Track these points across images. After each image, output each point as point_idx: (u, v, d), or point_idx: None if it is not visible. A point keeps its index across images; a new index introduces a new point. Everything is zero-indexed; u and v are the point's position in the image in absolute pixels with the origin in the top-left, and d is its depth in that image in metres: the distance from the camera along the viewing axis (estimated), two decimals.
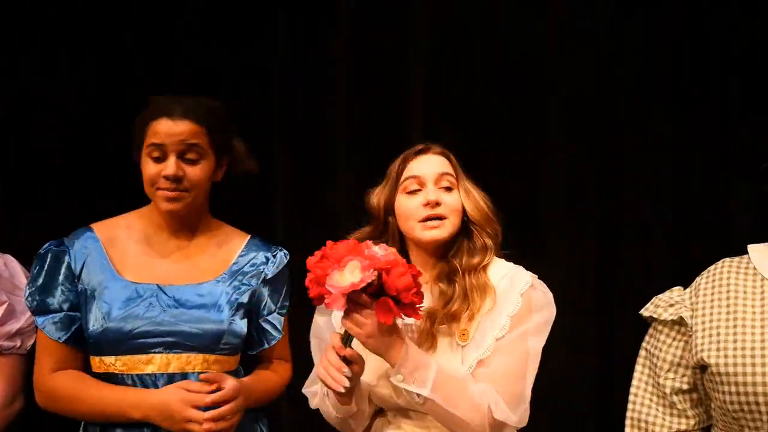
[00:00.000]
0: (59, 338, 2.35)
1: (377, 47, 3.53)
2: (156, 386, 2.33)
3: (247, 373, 2.51)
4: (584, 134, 3.41)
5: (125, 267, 2.41)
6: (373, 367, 2.29)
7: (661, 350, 2.16)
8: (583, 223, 3.42)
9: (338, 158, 3.57)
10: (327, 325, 2.44)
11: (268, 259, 2.51)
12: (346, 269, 2.09)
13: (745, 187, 3.24)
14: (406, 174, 2.30)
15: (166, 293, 2.38)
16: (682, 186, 3.36)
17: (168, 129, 2.36)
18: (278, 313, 2.51)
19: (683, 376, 2.13)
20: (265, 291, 2.50)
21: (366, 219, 2.45)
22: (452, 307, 2.27)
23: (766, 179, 2.14)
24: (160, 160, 2.37)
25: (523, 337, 2.27)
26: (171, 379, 2.34)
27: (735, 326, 2.05)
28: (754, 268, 2.11)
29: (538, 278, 2.37)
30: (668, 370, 2.14)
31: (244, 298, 2.45)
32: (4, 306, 2.63)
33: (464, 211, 2.34)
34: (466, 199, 2.35)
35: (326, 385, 2.20)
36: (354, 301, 2.13)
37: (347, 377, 2.15)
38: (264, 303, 2.50)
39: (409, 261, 2.28)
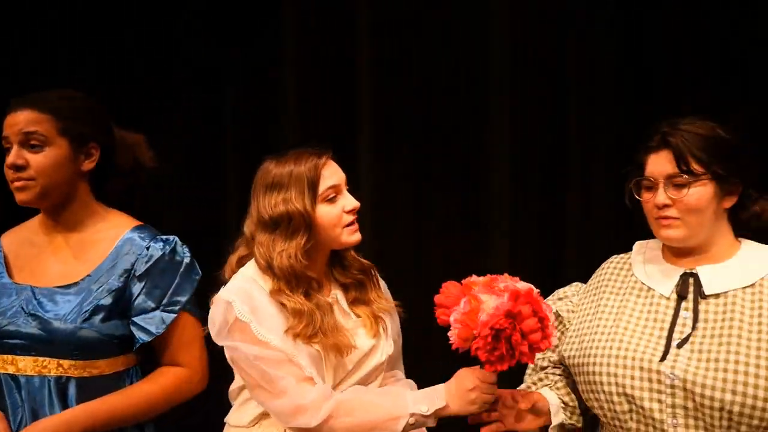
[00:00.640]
0: None
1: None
2: (30, 386, 2.35)
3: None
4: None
5: (15, 268, 2.45)
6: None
7: None
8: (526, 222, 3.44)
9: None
10: None
11: (141, 254, 2.43)
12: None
13: None
14: (324, 184, 2.29)
15: (35, 295, 2.39)
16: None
17: (10, 121, 2.40)
18: (164, 311, 2.42)
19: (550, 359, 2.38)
20: (137, 288, 2.42)
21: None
22: (368, 294, 2.41)
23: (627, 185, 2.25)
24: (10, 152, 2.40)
25: None
26: (42, 381, 2.35)
27: (592, 321, 2.23)
28: (630, 264, 2.30)
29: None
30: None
31: (106, 300, 2.39)
32: None
33: None
34: None
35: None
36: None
37: None
38: (134, 302, 2.42)
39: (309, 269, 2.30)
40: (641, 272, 2.26)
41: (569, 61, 3.40)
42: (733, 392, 2.02)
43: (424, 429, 2.32)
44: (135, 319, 2.41)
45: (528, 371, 2.43)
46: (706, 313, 2.14)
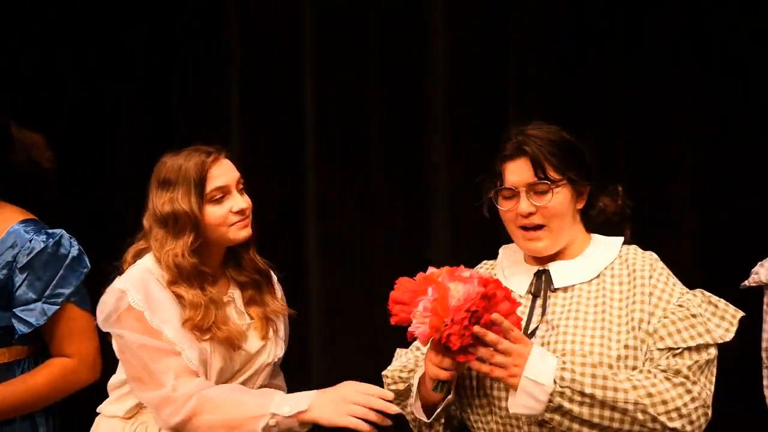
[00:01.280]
0: None
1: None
2: None
3: None
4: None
5: None
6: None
7: None
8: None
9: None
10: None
11: (23, 246, 2.42)
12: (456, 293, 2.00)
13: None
14: (211, 185, 2.31)
15: None
16: None
17: None
18: (46, 302, 2.42)
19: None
20: (19, 280, 2.42)
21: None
22: (263, 294, 2.44)
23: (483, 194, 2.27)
24: None
25: None
26: None
27: None
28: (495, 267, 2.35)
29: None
30: None
31: None
32: None
33: None
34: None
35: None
36: (479, 339, 2.02)
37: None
38: (15, 293, 2.42)
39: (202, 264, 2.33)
40: (501, 275, 2.28)
41: (510, 61, 3.42)
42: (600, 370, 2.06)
43: None
44: (16, 310, 2.41)
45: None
46: (554, 306, 2.19)
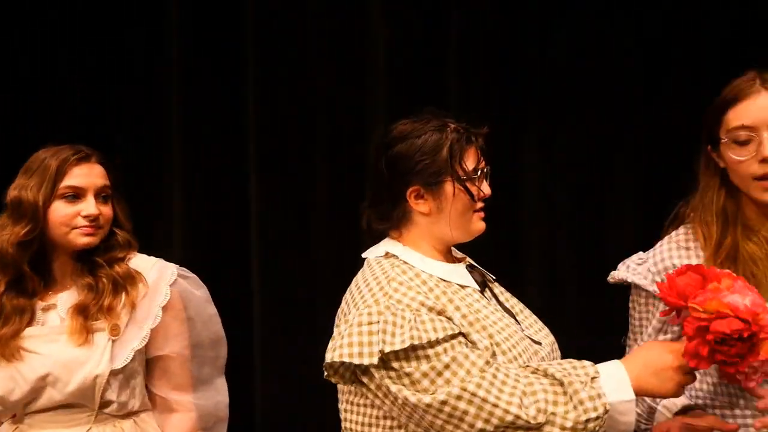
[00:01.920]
0: None
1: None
2: None
3: None
4: None
5: None
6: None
7: None
8: None
9: None
10: None
11: None
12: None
13: None
14: (66, 182, 2.28)
15: None
16: None
17: None
18: None
19: None
20: None
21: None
22: (104, 300, 2.28)
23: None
24: None
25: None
26: None
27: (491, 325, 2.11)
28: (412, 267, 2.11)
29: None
30: None
31: None
32: None
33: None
34: (117, 205, 2.38)
35: None
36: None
37: None
38: None
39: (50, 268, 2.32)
40: (442, 272, 2.09)
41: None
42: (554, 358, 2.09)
43: None
44: None
45: None
46: (503, 295, 2.16)
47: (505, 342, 1.98)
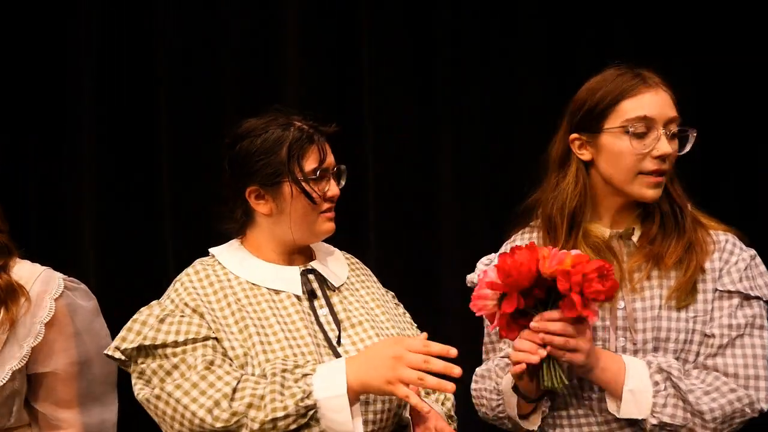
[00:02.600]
0: None
1: None
2: None
3: None
4: None
5: None
6: None
7: None
8: None
9: None
10: None
11: None
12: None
13: None
14: None
15: None
16: None
17: None
18: None
19: None
20: None
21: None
22: None
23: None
24: None
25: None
26: None
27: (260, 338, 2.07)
28: (223, 268, 2.10)
29: None
30: None
31: None
32: None
33: None
34: None
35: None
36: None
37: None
38: None
39: None
40: (257, 277, 2.08)
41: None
42: None
43: None
44: None
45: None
46: (342, 304, 2.10)
47: (275, 351, 1.95)
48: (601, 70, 2.13)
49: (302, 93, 3.36)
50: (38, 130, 3.35)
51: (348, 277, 2.17)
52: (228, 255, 2.10)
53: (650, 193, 2.06)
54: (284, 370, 1.91)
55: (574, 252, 1.92)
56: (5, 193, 2.54)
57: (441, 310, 3.40)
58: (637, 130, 2.04)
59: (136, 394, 1.97)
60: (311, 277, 2.10)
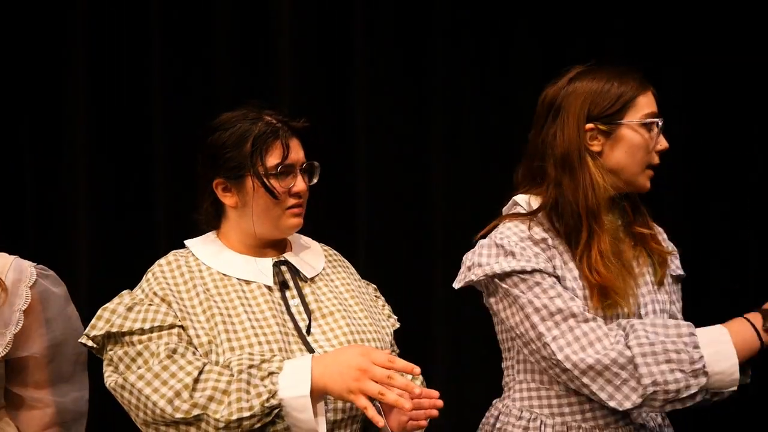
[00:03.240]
0: None
1: None
2: None
3: None
4: None
5: None
6: None
7: None
8: None
9: None
10: None
11: None
12: None
13: None
14: None
15: None
16: None
17: None
18: None
19: None
20: None
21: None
22: None
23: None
24: None
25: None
26: None
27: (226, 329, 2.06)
28: (196, 259, 2.13)
29: None
30: None
31: None
32: None
33: None
34: None
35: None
36: None
37: None
38: None
39: None
40: (229, 267, 2.11)
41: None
42: None
43: None
44: None
45: None
46: (314, 295, 2.12)
47: (240, 340, 1.98)
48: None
49: (295, 95, 3.37)
50: (32, 124, 3.34)
51: (324, 269, 2.19)
52: (202, 246, 2.14)
53: (649, 185, 2.19)
54: (251, 366, 1.92)
55: None
56: None
57: (431, 312, 3.42)
58: (652, 125, 2.14)
59: (105, 381, 2.00)
60: (284, 268, 2.12)
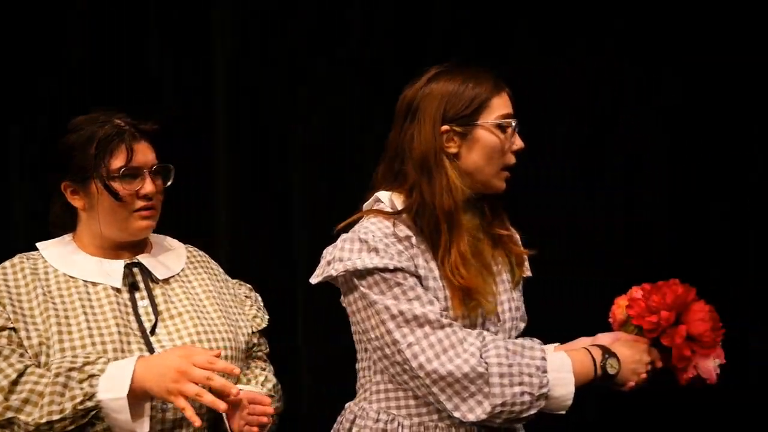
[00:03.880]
0: None
1: None
2: None
3: None
4: None
5: None
6: None
7: None
8: None
9: None
10: None
11: None
12: None
13: None
14: None
15: None
16: None
17: None
18: None
19: None
20: None
21: None
22: None
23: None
24: None
25: None
26: None
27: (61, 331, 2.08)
28: (45, 261, 2.15)
29: None
30: None
31: None
32: None
33: None
34: None
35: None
36: None
37: None
38: None
39: None
40: (75, 269, 2.14)
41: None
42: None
43: None
44: None
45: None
46: (164, 296, 2.15)
47: (74, 341, 2.00)
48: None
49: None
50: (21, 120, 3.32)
51: (183, 270, 2.23)
52: (53, 249, 2.16)
53: (504, 186, 2.18)
54: (71, 369, 1.95)
55: None
56: None
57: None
58: (506, 126, 2.13)
59: None
60: (136, 270, 2.15)
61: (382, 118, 2.29)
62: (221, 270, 2.35)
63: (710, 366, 2.10)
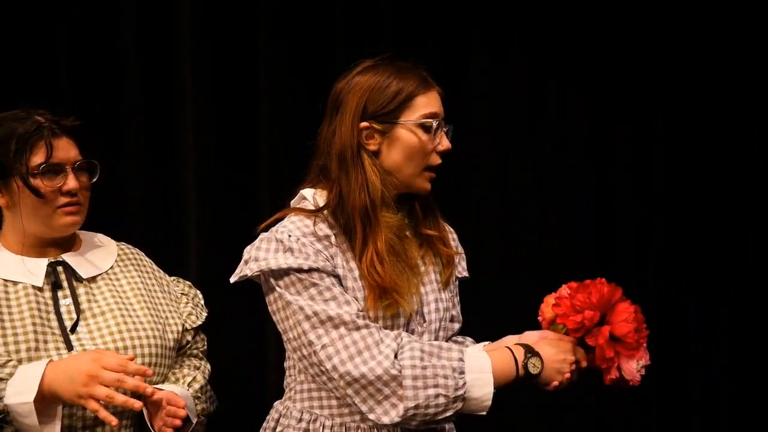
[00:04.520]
0: None
1: None
2: None
3: None
4: None
5: None
6: None
7: None
8: None
9: None
10: None
11: None
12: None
13: None
14: None
15: None
16: None
17: None
18: None
19: None
20: None
21: None
22: None
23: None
24: None
25: None
26: None
27: None
28: None
29: None
30: None
31: None
32: None
33: None
34: None
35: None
36: None
37: None
38: None
39: None
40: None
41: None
42: (138, 355, 2.07)
43: None
44: None
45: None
46: (88, 295, 2.12)
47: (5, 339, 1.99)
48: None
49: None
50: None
51: (112, 268, 2.19)
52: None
53: (429, 186, 2.11)
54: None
55: None
56: None
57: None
58: (430, 126, 2.06)
59: None
60: (60, 268, 2.12)
61: None
62: (156, 267, 2.30)
63: (633, 367, 2.05)
